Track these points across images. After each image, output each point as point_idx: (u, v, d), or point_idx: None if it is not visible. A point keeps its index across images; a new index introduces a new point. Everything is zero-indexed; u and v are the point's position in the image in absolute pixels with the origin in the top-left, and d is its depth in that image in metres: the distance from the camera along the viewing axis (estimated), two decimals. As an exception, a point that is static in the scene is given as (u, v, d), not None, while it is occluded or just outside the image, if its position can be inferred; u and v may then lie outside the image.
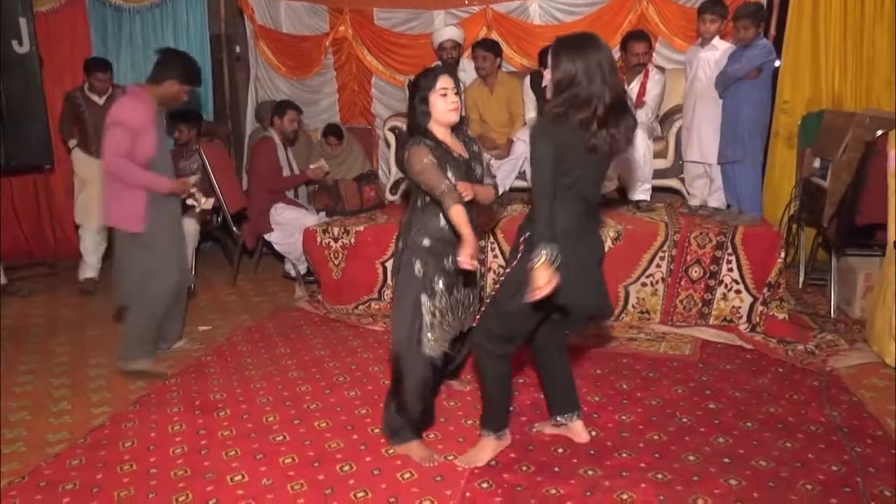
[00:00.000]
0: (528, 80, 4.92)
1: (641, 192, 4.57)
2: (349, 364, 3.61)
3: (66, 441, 2.90)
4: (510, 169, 4.82)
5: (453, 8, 5.64)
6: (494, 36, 5.45)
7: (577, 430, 2.76)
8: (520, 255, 2.33)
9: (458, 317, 2.69)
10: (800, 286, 4.57)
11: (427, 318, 2.57)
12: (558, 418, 2.77)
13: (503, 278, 2.42)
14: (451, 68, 2.47)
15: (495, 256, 4.21)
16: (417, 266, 2.56)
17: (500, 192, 4.79)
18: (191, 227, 4.90)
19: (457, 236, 2.43)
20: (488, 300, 2.50)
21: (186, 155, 5.15)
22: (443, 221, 2.54)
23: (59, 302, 4.87)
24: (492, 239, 4.20)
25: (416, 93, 2.53)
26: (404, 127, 4.96)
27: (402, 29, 5.78)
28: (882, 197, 3.59)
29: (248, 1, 5.80)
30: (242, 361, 3.70)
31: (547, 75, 2.29)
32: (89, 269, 5.11)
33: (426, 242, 2.56)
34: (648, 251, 4.00)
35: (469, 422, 2.94)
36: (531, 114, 4.94)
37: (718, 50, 4.03)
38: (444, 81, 2.50)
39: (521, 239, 2.36)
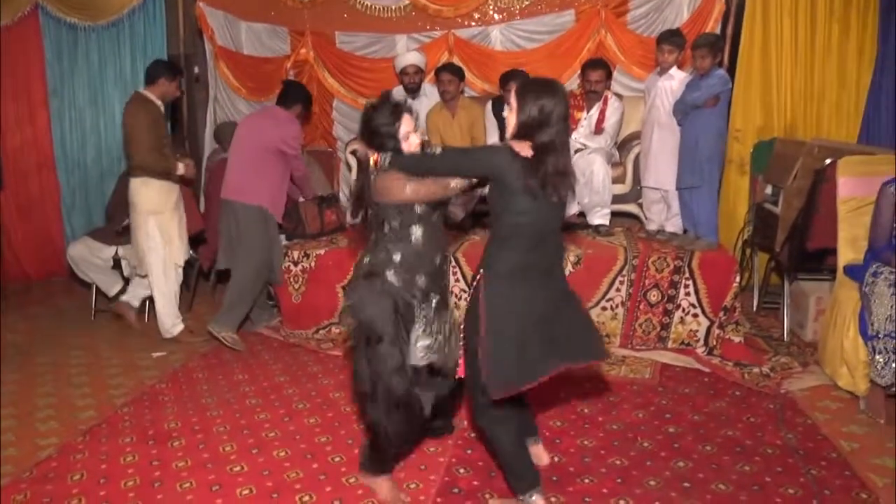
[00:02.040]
0: (489, 105, 4.97)
1: (600, 217, 4.63)
2: (309, 390, 3.55)
3: (10, 475, 2.79)
4: (467, 198, 4.83)
5: (415, 33, 5.67)
6: (456, 61, 5.50)
7: (538, 454, 2.76)
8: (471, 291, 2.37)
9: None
10: (754, 309, 4.67)
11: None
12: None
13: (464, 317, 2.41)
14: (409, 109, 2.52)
15: (457, 280, 4.21)
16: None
17: (463, 216, 4.85)
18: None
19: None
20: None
21: (141, 176, 5.04)
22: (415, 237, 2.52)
23: (8, 328, 4.70)
24: (453, 263, 4.20)
25: (379, 126, 2.48)
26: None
27: (363, 52, 5.79)
28: (832, 223, 3.70)
29: (208, 21, 5.73)
30: (198, 389, 3.61)
31: (510, 114, 2.31)
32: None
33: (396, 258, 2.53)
34: (608, 275, 4.05)
35: (461, 470, 2.90)
36: (492, 139, 4.98)
37: (676, 79, 4.13)
38: (407, 125, 2.50)
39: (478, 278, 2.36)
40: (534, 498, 2.39)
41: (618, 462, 2.80)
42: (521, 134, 2.24)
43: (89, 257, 4.74)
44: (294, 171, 4.36)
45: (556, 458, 2.83)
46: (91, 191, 5.96)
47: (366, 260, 2.56)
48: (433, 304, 2.57)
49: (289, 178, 4.36)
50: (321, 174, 5.26)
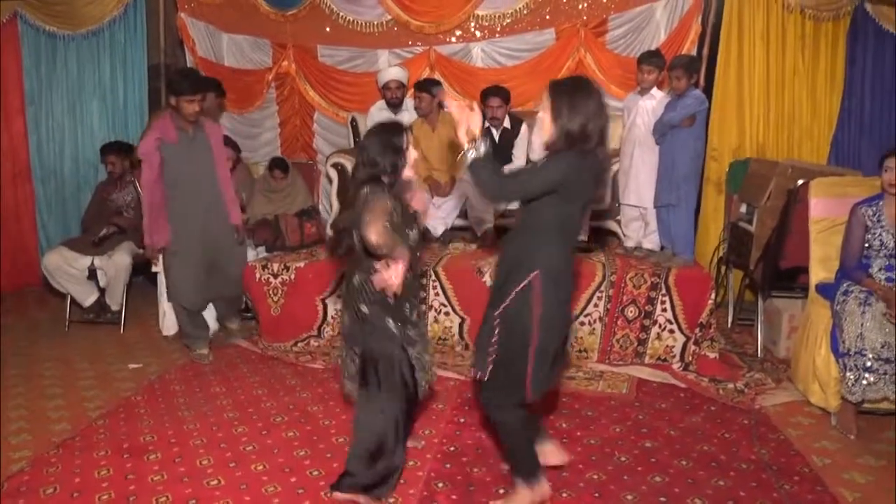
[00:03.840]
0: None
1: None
2: (287, 404, 3.53)
3: (-18, 488, 2.73)
4: (451, 208, 4.88)
5: (397, 48, 5.71)
6: (437, 77, 5.55)
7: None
8: (514, 294, 2.29)
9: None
10: (728, 326, 4.74)
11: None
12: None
13: (498, 321, 2.32)
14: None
15: (437, 294, 4.22)
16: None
17: (442, 230, 4.89)
18: (123, 260, 4.75)
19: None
20: (481, 349, 2.40)
21: (120, 187, 5.01)
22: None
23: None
24: (433, 277, 4.22)
25: (399, 145, 2.50)
26: (348, 164, 4.98)
27: (346, 66, 5.81)
28: (804, 242, 3.78)
29: (189, 32, 5.72)
30: (175, 401, 3.57)
31: (547, 118, 2.27)
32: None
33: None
34: (587, 291, 4.09)
35: (440, 485, 2.90)
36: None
37: (655, 99, 4.21)
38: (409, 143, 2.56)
39: (510, 273, 2.32)
40: (534, 488, 2.50)
41: (595, 477, 2.81)
42: (563, 141, 2.21)
43: (64, 267, 4.69)
44: None
45: (534, 473, 2.84)
46: (67, 201, 5.90)
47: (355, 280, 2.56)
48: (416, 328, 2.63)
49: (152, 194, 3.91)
50: (304, 185, 5.23)
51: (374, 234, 2.36)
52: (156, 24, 5.72)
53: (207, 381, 3.85)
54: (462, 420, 3.34)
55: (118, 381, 3.85)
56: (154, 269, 4.51)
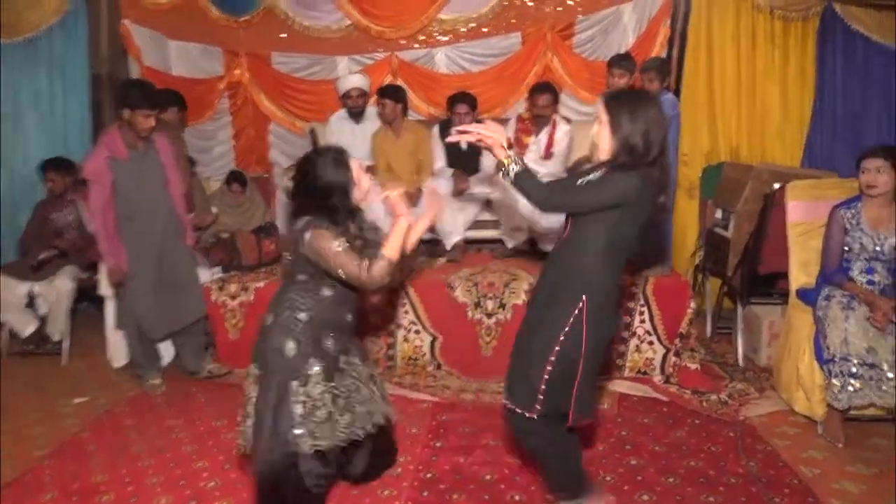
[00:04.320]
0: (436, 129, 5.01)
1: (552, 244, 4.67)
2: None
3: (-85, 539, 2.60)
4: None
5: (357, 54, 5.69)
6: (400, 83, 5.55)
7: None
8: (568, 327, 2.26)
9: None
10: (707, 335, 4.80)
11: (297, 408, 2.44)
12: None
13: (555, 358, 2.28)
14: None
15: (406, 312, 4.19)
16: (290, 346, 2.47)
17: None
18: (65, 285, 4.61)
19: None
20: (525, 382, 2.34)
21: (61, 206, 4.87)
22: (325, 295, 2.50)
23: None
24: (402, 294, 4.18)
25: (332, 182, 2.46)
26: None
27: (302, 74, 5.78)
28: (782, 246, 3.86)
29: (134, 40, 5.62)
30: (127, 436, 3.46)
31: (605, 130, 2.25)
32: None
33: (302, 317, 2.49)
34: (562, 304, 4.10)
35: None
36: (439, 164, 5.02)
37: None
38: (356, 171, 2.52)
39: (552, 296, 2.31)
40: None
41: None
42: (625, 155, 2.19)
43: (1, 294, 4.53)
44: None
45: (517, 497, 2.82)
46: (3, 221, 5.70)
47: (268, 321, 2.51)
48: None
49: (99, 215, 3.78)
50: (262, 200, 5.16)
51: (343, 266, 2.36)
52: (97, 31, 5.60)
53: (161, 413, 3.74)
54: (438, 444, 3.30)
55: (63, 417, 3.72)
56: (104, 293, 4.36)
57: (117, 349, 4.39)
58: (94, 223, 3.80)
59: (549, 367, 2.26)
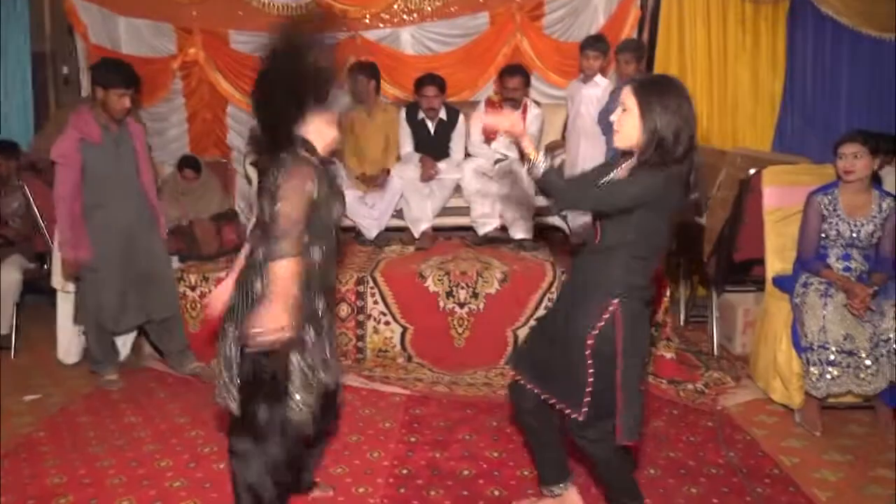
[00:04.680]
0: (404, 112, 4.96)
1: (524, 231, 4.69)
2: (216, 431, 3.37)
3: None
4: (385, 207, 4.80)
5: (319, 33, 5.58)
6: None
7: (574, 499, 2.65)
8: (599, 328, 2.19)
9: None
10: (681, 323, 4.86)
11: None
12: (553, 489, 2.63)
13: (589, 357, 2.20)
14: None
15: (375, 303, 4.14)
16: None
17: (376, 233, 4.81)
18: (11, 277, 4.45)
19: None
20: (572, 384, 2.27)
21: (6, 192, 4.69)
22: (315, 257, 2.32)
23: None
24: (371, 284, 4.13)
25: (298, 87, 2.19)
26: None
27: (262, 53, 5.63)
28: (758, 233, 3.91)
29: (80, 16, 5.43)
30: (84, 436, 3.35)
31: (632, 119, 2.14)
32: None
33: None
34: (536, 292, 4.10)
35: None
36: (406, 149, 4.97)
37: (600, 87, 4.27)
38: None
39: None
40: None
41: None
42: (653, 150, 2.08)
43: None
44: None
45: (496, 492, 2.82)
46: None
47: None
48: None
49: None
50: (219, 186, 5.04)
51: (288, 209, 2.14)
52: (40, 7, 5.42)
53: (120, 410, 3.64)
54: (413, 439, 3.28)
55: (14, 416, 3.58)
56: (56, 286, 4.20)
57: (69, 345, 4.25)
58: (57, 209, 3.63)
59: (589, 367, 2.21)
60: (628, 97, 2.15)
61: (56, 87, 5.70)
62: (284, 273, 2.14)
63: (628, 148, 2.21)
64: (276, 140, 2.26)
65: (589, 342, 2.19)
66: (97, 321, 3.82)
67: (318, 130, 2.31)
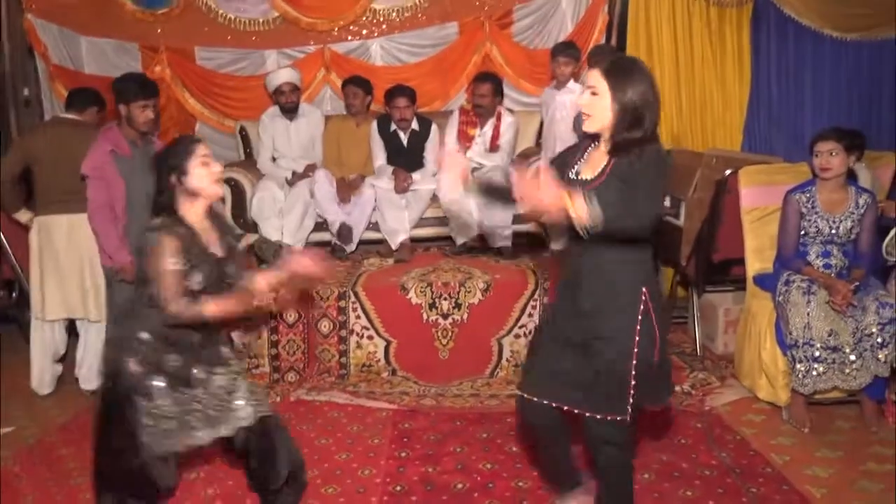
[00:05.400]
0: (375, 125, 4.92)
1: (503, 239, 4.68)
2: (202, 457, 3.27)
3: None
4: (359, 218, 4.74)
5: (287, 48, 5.54)
6: (334, 78, 5.45)
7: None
8: (639, 325, 2.19)
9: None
10: (661, 325, 4.87)
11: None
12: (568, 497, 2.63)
13: (636, 359, 2.20)
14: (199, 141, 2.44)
15: (358, 317, 4.09)
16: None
17: (353, 248, 4.75)
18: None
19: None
20: (613, 388, 2.24)
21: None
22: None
23: None
24: (353, 298, 4.08)
25: (165, 163, 2.33)
26: (242, 179, 4.77)
27: (229, 70, 5.57)
28: (736, 233, 3.94)
29: (40, 36, 5.30)
30: (63, 467, 3.24)
31: (603, 101, 2.13)
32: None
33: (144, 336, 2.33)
34: (519, 301, 4.09)
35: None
36: (379, 161, 4.93)
37: (574, 92, 4.28)
38: (203, 149, 2.35)
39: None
40: None
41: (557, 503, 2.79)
42: (625, 130, 2.10)
43: None
44: None
45: (493, 505, 2.79)
46: None
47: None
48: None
49: None
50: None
51: (159, 283, 2.22)
52: (-3, 27, 5.26)
53: (99, 439, 3.53)
54: (403, 454, 3.23)
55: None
56: (35, 315, 4.07)
57: (43, 375, 4.12)
58: (94, 223, 3.57)
59: (633, 371, 2.19)
60: (598, 81, 2.15)
61: (17, 109, 5.54)
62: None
63: (600, 130, 2.20)
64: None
65: (636, 339, 2.19)
66: None
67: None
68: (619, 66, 2.18)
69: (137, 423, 2.27)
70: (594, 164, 2.25)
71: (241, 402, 2.44)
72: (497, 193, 2.48)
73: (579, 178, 2.26)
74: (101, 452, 2.39)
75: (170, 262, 2.21)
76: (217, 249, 2.39)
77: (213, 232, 2.41)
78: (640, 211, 2.04)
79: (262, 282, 2.44)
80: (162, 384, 2.29)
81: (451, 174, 2.36)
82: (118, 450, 2.32)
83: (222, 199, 5.01)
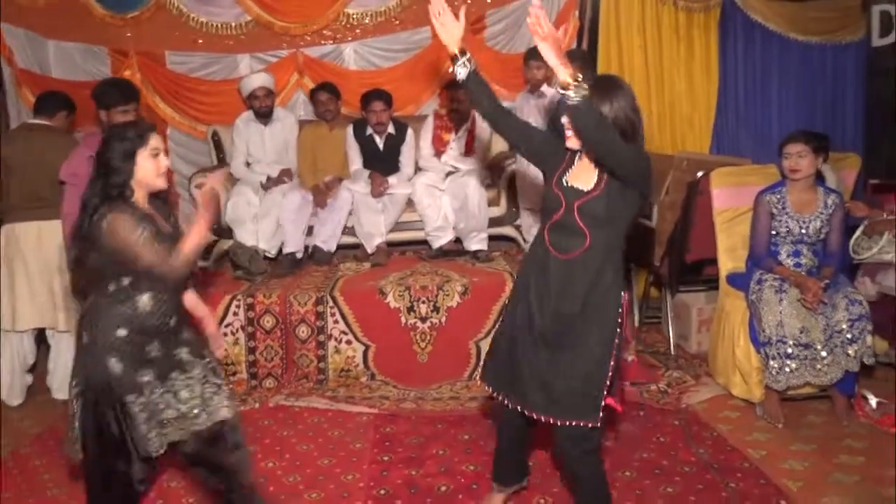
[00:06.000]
0: (351, 129, 4.92)
1: (478, 242, 4.71)
2: (183, 467, 3.25)
3: None
4: (335, 225, 4.74)
5: (259, 52, 5.50)
6: (307, 82, 5.43)
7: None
8: (618, 326, 2.25)
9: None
10: (636, 325, 4.94)
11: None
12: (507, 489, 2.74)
13: (614, 362, 2.25)
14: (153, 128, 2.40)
15: (336, 322, 4.08)
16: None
17: (334, 246, 4.75)
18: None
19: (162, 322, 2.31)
20: (585, 393, 2.25)
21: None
22: (142, 304, 2.29)
23: None
24: (330, 303, 4.08)
25: (114, 147, 2.26)
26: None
27: (200, 74, 5.52)
28: (708, 234, 4.03)
29: (4, 40, 5.21)
30: (39, 479, 3.20)
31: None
32: None
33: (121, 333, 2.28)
34: (497, 303, 4.11)
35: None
36: (355, 165, 4.93)
37: (547, 96, 4.32)
38: (155, 141, 2.31)
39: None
40: None
41: (542, 501, 2.82)
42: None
43: None
44: None
45: (477, 506, 2.81)
46: None
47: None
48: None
49: None
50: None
51: (141, 254, 2.17)
52: (-40, 31, 5.15)
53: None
54: (386, 458, 3.24)
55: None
56: (5, 325, 3.98)
57: (13, 385, 4.05)
58: (64, 228, 3.50)
59: (609, 372, 2.23)
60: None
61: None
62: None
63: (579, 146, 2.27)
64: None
65: (615, 343, 2.24)
66: None
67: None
68: (600, 84, 2.24)
69: (132, 422, 2.23)
70: (583, 174, 2.29)
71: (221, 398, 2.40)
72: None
73: (569, 185, 2.30)
74: (94, 465, 2.30)
75: (136, 233, 2.18)
76: (165, 227, 2.35)
77: (157, 214, 2.36)
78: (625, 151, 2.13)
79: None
80: (149, 377, 2.26)
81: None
82: (111, 458, 2.26)
83: (194, 203, 4.99)
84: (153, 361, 2.28)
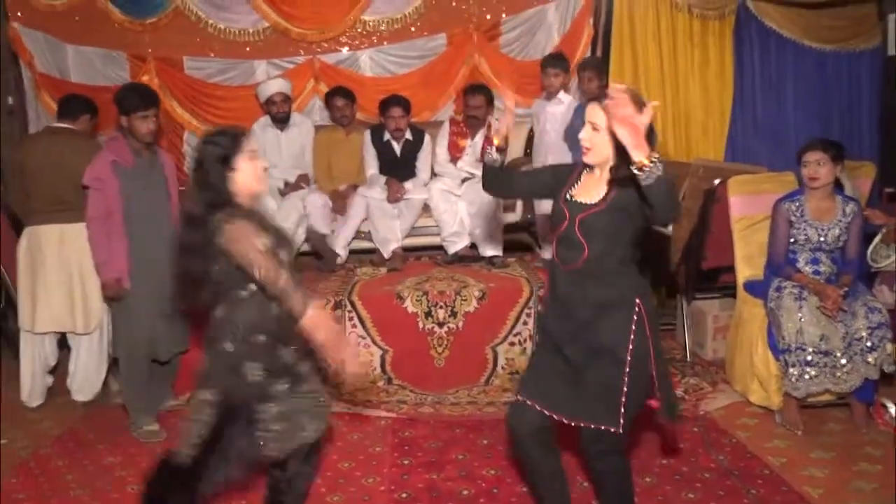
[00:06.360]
0: (368, 134, 4.96)
1: (493, 248, 4.73)
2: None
3: None
4: (350, 232, 4.78)
5: (276, 58, 5.55)
6: (323, 88, 5.47)
7: None
8: (633, 333, 2.25)
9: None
10: (650, 332, 4.95)
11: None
12: None
13: (629, 368, 2.25)
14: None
15: (354, 326, 4.11)
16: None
17: (346, 254, 4.79)
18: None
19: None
20: (606, 399, 2.27)
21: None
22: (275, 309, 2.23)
23: None
24: (349, 307, 4.10)
25: (211, 152, 2.22)
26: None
27: (218, 80, 5.57)
28: (725, 241, 4.03)
29: (25, 44, 5.27)
30: (61, 480, 3.22)
31: (605, 136, 2.20)
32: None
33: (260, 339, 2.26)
34: (514, 309, 4.14)
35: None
36: (372, 171, 4.97)
37: (564, 104, 4.37)
38: (252, 143, 2.30)
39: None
40: None
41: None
42: (626, 159, 2.06)
43: None
44: None
45: (499, 511, 2.82)
46: None
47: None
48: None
49: None
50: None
51: (258, 266, 2.11)
52: (-19, 36, 5.21)
53: (96, 451, 3.50)
54: (406, 462, 3.26)
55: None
56: (24, 326, 4.01)
57: (33, 387, 4.08)
58: (90, 232, 3.54)
59: (627, 378, 2.24)
60: (598, 116, 2.22)
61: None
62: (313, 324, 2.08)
63: (600, 163, 2.28)
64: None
65: (630, 350, 2.24)
66: (130, 356, 3.67)
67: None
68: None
69: (256, 431, 2.22)
70: (590, 189, 2.32)
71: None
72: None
73: (574, 200, 2.33)
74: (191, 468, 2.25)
75: (258, 241, 2.13)
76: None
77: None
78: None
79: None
80: (285, 386, 2.26)
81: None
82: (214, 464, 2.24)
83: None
84: (287, 368, 2.28)
